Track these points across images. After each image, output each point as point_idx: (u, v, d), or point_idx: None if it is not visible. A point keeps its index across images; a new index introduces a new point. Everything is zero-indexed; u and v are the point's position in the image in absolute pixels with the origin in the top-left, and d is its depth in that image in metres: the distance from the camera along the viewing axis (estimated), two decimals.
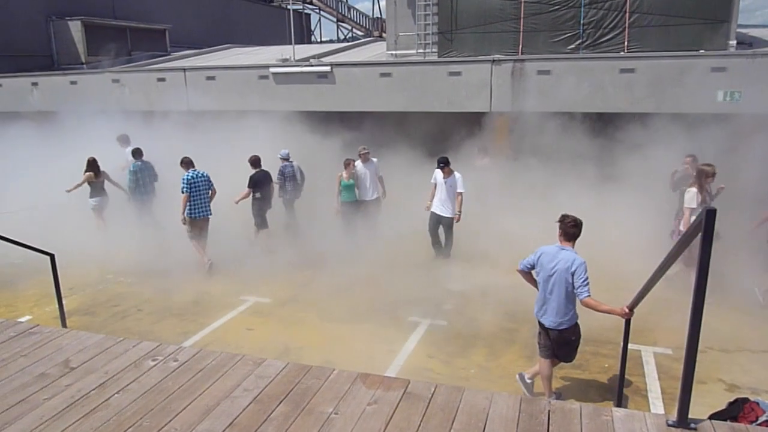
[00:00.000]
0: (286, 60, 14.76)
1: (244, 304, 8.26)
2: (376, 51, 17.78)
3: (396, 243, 10.14)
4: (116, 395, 3.61)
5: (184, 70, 15.20)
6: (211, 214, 9.83)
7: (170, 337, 7.13)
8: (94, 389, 3.69)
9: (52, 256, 6.75)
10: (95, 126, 13.58)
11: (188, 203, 9.52)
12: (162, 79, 15.37)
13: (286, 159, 10.73)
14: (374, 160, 10.33)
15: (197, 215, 9.67)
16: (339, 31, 40.22)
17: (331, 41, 39.01)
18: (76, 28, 20.84)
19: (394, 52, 15.34)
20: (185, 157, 9.72)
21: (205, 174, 9.71)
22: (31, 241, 6.75)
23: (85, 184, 11.18)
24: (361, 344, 6.86)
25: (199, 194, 9.61)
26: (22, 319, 7.47)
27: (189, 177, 9.53)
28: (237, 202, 10.23)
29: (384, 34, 20.57)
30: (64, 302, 6.97)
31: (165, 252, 10.13)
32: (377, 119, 13.34)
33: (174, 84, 15.13)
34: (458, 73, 12.37)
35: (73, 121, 14.02)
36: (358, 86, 13.24)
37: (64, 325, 6.87)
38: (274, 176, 10.53)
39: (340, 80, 13.37)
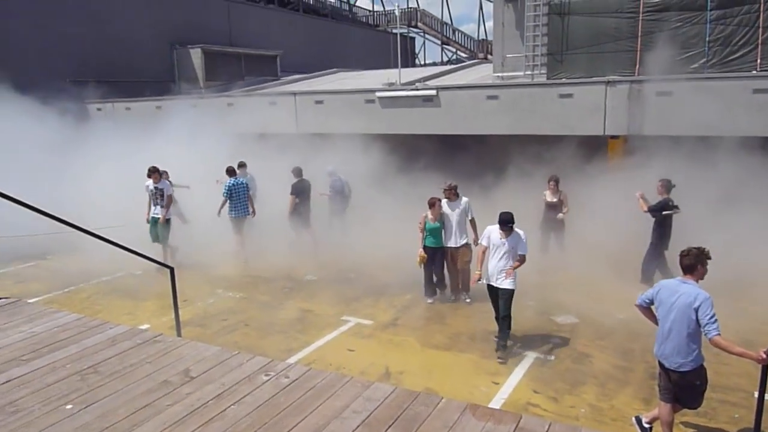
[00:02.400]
0: (392, 84, 15.12)
1: (345, 325, 8.42)
2: (482, 73, 17.76)
3: None
4: (232, 407, 3.80)
5: (294, 94, 15.95)
6: (248, 213, 11.65)
7: (275, 354, 7.36)
8: (212, 399, 3.91)
9: (171, 270, 7.23)
10: (212, 146, 14.59)
11: (230, 205, 11.47)
12: (273, 103, 16.21)
13: (333, 175, 12.15)
14: (464, 199, 9.05)
15: (237, 215, 11.55)
16: (443, 54, 40.61)
17: (434, 64, 39.49)
18: (196, 55, 22.64)
19: (500, 74, 15.26)
20: (229, 166, 11.63)
21: (244, 181, 11.67)
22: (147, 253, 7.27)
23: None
24: (463, 373, 6.77)
25: (239, 198, 11.54)
26: (142, 327, 8.07)
27: (230, 184, 11.50)
28: (290, 212, 11.79)
29: (489, 56, 20.52)
30: (179, 312, 7.40)
31: (268, 268, 10.70)
32: (482, 142, 13.29)
33: (284, 107, 15.90)
34: (569, 95, 12.07)
35: (191, 141, 15.13)
36: (463, 109, 13.26)
37: (179, 334, 7.28)
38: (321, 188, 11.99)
39: (445, 103, 13.47)
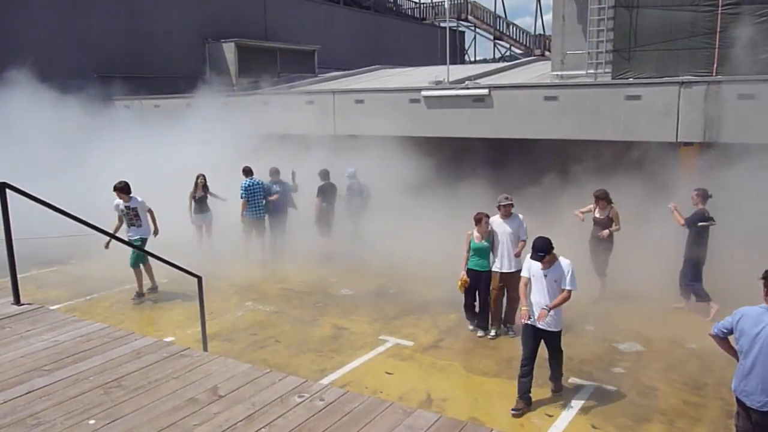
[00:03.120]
0: (439, 82, 15.16)
1: (383, 345, 8.48)
2: (539, 72, 17.65)
3: None
4: (263, 429, 3.85)
5: (333, 92, 16.16)
6: (263, 214, 12.43)
7: (308, 374, 7.47)
8: (241, 420, 3.97)
9: (199, 279, 7.35)
10: (243, 146, 14.90)
11: (246, 206, 12.24)
12: (310, 102, 16.45)
13: (352, 177, 12.92)
14: (519, 216, 8.56)
15: (253, 216, 12.29)
16: (496, 50, 40.46)
17: (485, 61, 39.37)
18: (229, 49, 23.13)
19: (560, 72, 15.12)
20: (246, 167, 12.37)
21: (260, 182, 12.42)
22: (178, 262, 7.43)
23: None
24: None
25: (255, 199, 12.31)
26: (167, 339, 8.26)
27: (246, 185, 12.30)
28: (317, 215, 12.63)
29: (547, 53, 20.36)
30: (206, 325, 7.55)
31: (300, 279, 10.99)
32: (537, 148, 13.17)
33: (321, 107, 16.12)
34: (637, 97, 11.87)
35: (222, 141, 15.50)
36: (518, 111, 13.19)
37: (205, 349, 7.42)
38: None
39: (498, 104, 13.43)
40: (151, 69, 21.60)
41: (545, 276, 6.51)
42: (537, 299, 6.57)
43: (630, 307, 9.44)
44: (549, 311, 6.45)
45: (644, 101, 11.80)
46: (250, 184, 12.35)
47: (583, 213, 9.87)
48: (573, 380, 7.33)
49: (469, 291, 8.56)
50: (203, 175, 12.34)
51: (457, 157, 14.13)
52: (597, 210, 9.77)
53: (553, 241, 6.51)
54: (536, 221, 9.36)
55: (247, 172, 12.44)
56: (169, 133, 15.55)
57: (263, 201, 12.41)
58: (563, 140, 12.76)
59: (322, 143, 14.56)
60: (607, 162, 11.52)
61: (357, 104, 15.61)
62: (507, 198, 8.51)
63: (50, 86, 16.24)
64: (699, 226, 8.93)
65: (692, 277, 9.09)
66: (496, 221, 8.54)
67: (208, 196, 12.43)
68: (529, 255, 6.62)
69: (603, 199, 9.68)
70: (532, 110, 13.02)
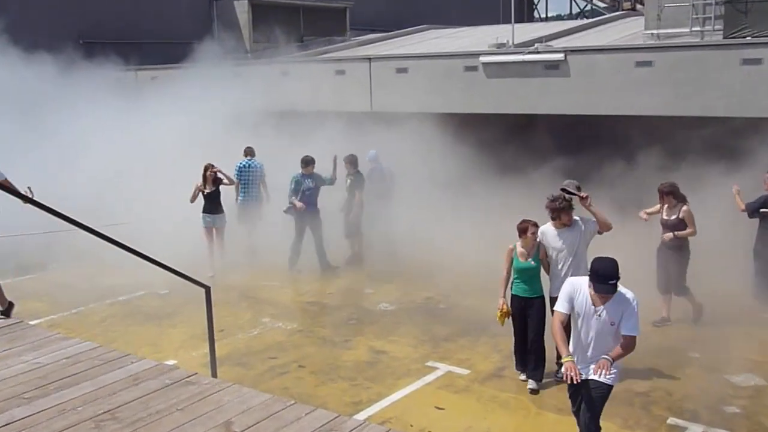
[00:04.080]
0: (502, 45, 15.07)
1: (432, 374, 8.45)
2: (628, 31, 17.35)
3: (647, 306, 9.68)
4: None
5: (369, 59, 16.23)
6: (258, 201, 13.36)
7: (338, 407, 7.48)
8: None
9: (207, 290, 7.47)
10: (256, 126, 15.13)
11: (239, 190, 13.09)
12: (341, 72, 16.56)
13: (374, 161, 13.31)
14: (579, 221, 7.87)
15: (244, 201, 13.22)
16: (573, 4, 40.05)
17: (560, 18, 39.02)
18: (242, 8, 23.26)
19: (655, 31, 14.85)
20: (247, 147, 13.46)
21: (258, 165, 13.37)
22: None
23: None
24: None
25: (249, 182, 13.29)
26: (169, 363, 8.40)
27: (240, 165, 13.31)
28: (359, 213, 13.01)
29: (639, 6, 20.05)
30: (215, 346, 7.64)
31: (326, 290, 11.14)
32: (626, 127, 12.99)
33: (355, 78, 16.23)
34: (757, 61, 11.61)
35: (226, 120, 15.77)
36: (602, 80, 13.06)
37: (214, 375, 7.50)
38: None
39: (577, 72, 13.30)
40: (147, 34, 21.87)
41: (599, 315, 5.71)
42: (583, 344, 5.87)
43: (741, 330, 9.28)
44: (611, 363, 5.71)
45: (767, 66, 11.54)
46: (245, 165, 13.37)
47: (649, 214, 9.71)
48: (673, 421, 7.20)
49: (515, 326, 8.09)
50: (213, 166, 12.38)
51: (523, 140, 14.03)
52: (665, 210, 9.56)
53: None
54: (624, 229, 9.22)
55: (247, 153, 13.43)
56: (165, 110, 15.82)
57: (259, 187, 13.46)
58: (658, 117, 12.59)
59: (355, 122, 14.65)
60: (715, 146, 11.30)
61: (399, 74, 15.63)
62: (561, 197, 7.70)
63: (27, 54, 16.60)
64: (762, 213, 8.94)
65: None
66: (549, 232, 7.95)
67: (221, 190, 12.56)
68: (571, 279, 6.14)
69: (669, 194, 9.47)
70: (619, 79, 12.86)
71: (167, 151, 14.53)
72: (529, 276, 7.90)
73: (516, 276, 7.94)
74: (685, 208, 9.41)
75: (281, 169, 13.22)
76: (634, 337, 5.66)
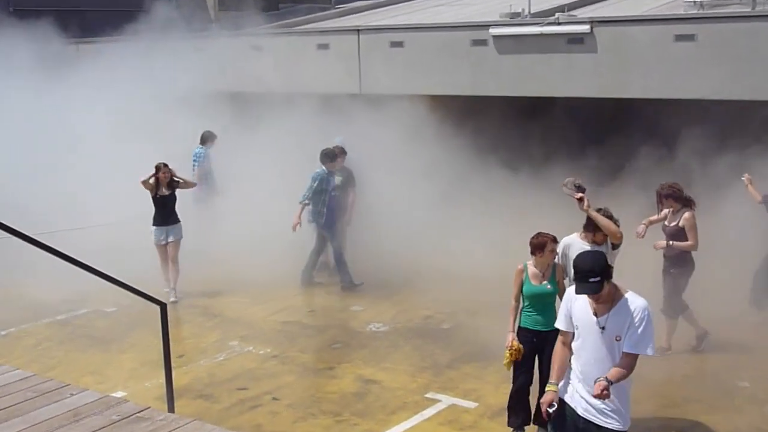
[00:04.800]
0: (516, 15, 15.06)
1: (433, 407, 8.41)
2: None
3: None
4: None
5: (358, 31, 16.19)
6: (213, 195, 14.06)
7: None
8: None
9: (162, 307, 7.48)
10: (222, 113, 15.22)
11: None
12: (324, 46, 16.52)
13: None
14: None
15: (201, 195, 13.73)
16: None
17: None
18: None
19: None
20: (205, 132, 14.07)
21: (203, 152, 14.21)
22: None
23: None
24: None
25: (208, 172, 14.07)
26: (117, 395, 8.35)
27: (198, 152, 14.20)
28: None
29: None
30: (172, 375, 7.63)
31: (306, 307, 11.29)
32: (663, 113, 12.99)
33: (341, 53, 16.18)
34: None
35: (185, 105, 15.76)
36: (635, 56, 13.06)
37: (171, 409, 7.45)
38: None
39: (605, 46, 13.32)
40: (91, 0, 21.77)
41: (601, 328, 5.45)
42: (582, 367, 5.56)
43: None
44: (610, 384, 5.29)
45: None
46: (201, 152, 14.19)
47: (652, 222, 9.57)
48: None
49: (522, 366, 7.59)
50: (166, 167, 11.93)
51: (541, 129, 14.05)
52: (669, 215, 9.55)
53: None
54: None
55: (204, 139, 14.15)
56: (111, 91, 15.81)
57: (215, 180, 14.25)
58: (701, 101, 12.61)
59: (341, 107, 14.64)
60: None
61: (393, 49, 15.63)
62: (579, 186, 7.69)
63: None
64: None
65: None
66: (575, 245, 7.71)
67: (176, 195, 12.19)
68: (570, 288, 5.86)
69: (669, 198, 9.43)
70: (655, 56, 12.87)
71: (113, 140, 14.61)
72: (543, 304, 7.43)
73: (527, 304, 7.52)
74: (687, 214, 9.30)
75: (245, 163, 13.51)
76: (635, 355, 5.33)
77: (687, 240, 9.20)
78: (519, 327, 7.53)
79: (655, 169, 12.07)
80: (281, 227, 12.28)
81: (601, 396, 5.21)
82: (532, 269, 7.48)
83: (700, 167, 11.53)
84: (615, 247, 7.67)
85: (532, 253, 7.43)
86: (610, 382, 5.23)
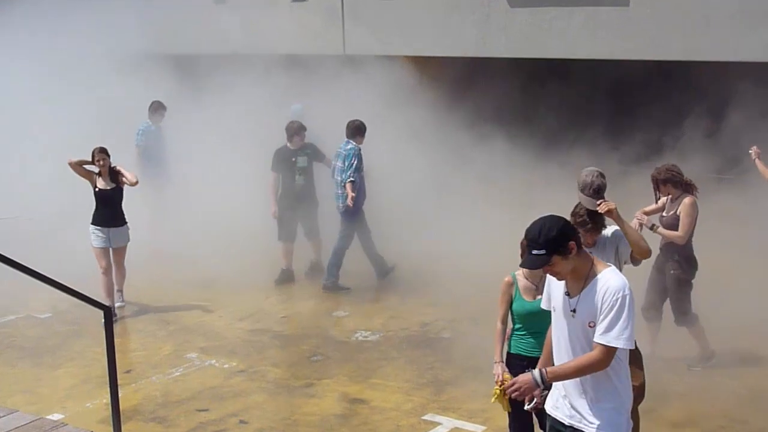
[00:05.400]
0: None
1: (432, 431, 8.36)
2: None
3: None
4: None
5: None
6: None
7: None
8: None
9: (107, 312, 7.42)
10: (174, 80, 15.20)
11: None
12: None
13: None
14: (604, 237, 7.61)
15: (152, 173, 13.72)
16: None
17: None
18: None
19: None
20: (155, 102, 14.05)
21: (154, 128, 14.27)
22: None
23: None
24: None
25: (156, 150, 14.16)
26: (52, 417, 8.24)
27: (145, 128, 14.24)
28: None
29: None
30: (119, 393, 7.57)
31: (279, 312, 11.33)
32: (709, 78, 12.96)
33: (321, 7, 16.17)
34: None
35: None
36: (676, 12, 12.97)
37: None
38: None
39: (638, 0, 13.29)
40: None
41: (572, 311, 5.37)
42: (559, 361, 5.56)
43: None
44: (540, 384, 5.30)
45: None
46: (148, 128, 14.27)
47: (648, 213, 9.47)
48: None
49: (515, 410, 7.26)
50: (103, 151, 11.37)
51: (559, 97, 14.14)
52: (668, 203, 9.56)
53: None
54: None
55: (152, 111, 14.24)
56: (19, 48, 15.76)
57: (165, 156, 14.30)
58: (758, 65, 12.54)
59: (322, 71, 14.64)
60: None
61: (383, 2, 15.58)
62: (582, 215, 7.34)
63: None
64: None
65: None
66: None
67: (123, 190, 11.70)
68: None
69: (668, 183, 9.38)
70: (701, 11, 12.81)
71: (30, 113, 14.72)
72: (539, 324, 6.90)
73: (519, 325, 7.23)
74: (686, 200, 9.30)
75: (203, 141, 13.56)
76: (608, 349, 5.08)
77: (679, 230, 9.23)
78: (509, 353, 7.22)
79: (698, 146, 12.17)
80: (248, 216, 12.41)
81: (521, 393, 5.23)
82: (523, 282, 7.16)
83: (753, 142, 11.47)
84: (637, 262, 7.59)
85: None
86: (541, 383, 5.19)
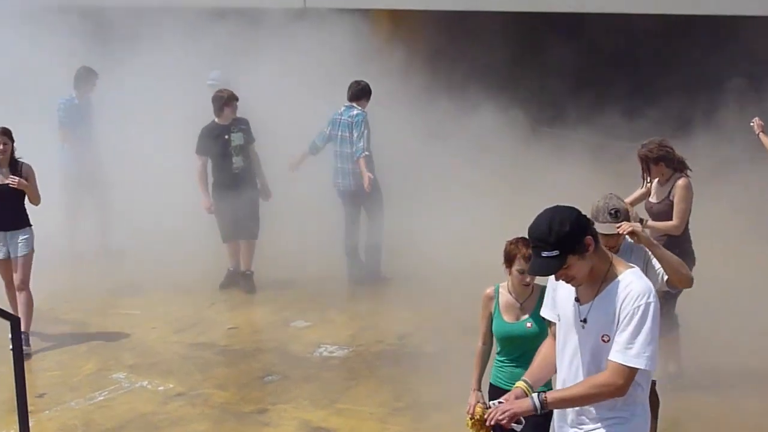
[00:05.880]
0: None
1: None
2: None
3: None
4: None
5: None
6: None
7: None
8: None
9: (14, 322, 7.29)
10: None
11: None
12: None
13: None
14: (628, 246, 7.51)
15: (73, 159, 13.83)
16: None
17: None
18: None
19: None
20: (82, 68, 13.97)
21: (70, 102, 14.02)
22: None
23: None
24: None
25: (82, 127, 13.97)
26: None
27: (67, 102, 13.99)
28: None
29: None
30: (30, 422, 7.36)
31: (225, 323, 11.59)
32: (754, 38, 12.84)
33: None
34: None
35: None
36: None
37: None
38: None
39: None
40: None
41: (583, 321, 5.23)
42: (566, 380, 5.40)
43: None
44: (538, 408, 5.12)
45: None
46: (70, 102, 14.04)
47: (634, 203, 9.47)
48: None
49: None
50: (5, 134, 10.99)
51: (563, 61, 14.11)
52: (654, 188, 9.58)
53: None
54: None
55: (83, 76, 13.98)
56: None
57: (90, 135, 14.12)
58: None
59: (276, 29, 14.59)
60: None
61: None
62: (615, 213, 7.17)
63: None
64: None
65: None
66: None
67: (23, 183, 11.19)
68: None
69: (661, 162, 9.33)
70: None
71: None
72: (521, 350, 6.98)
73: (498, 348, 7.19)
74: (681, 181, 9.29)
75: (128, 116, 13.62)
76: (626, 371, 4.91)
77: (674, 219, 9.21)
78: (490, 384, 7.15)
79: (737, 119, 12.09)
80: (187, 208, 12.46)
81: (511, 419, 5.03)
82: (505, 297, 7.02)
83: None
84: (675, 289, 7.71)
85: (506, 266, 6.97)
86: (541, 405, 4.98)
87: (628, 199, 8.91)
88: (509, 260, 6.83)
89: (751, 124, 10.78)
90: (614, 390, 4.89)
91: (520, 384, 5.34)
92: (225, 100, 12.47)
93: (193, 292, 12.38)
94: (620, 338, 4.86)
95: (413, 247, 12.52)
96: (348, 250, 12.63)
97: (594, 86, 13.34)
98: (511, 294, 6.96)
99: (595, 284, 5.02)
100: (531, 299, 6.92)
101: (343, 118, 12.32)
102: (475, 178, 13.19)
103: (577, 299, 5.10)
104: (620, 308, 4.91)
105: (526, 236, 5.92)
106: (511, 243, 6.88)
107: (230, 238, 12.66)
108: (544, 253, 4.86)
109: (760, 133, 10.65)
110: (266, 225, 12.93)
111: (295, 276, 12.71)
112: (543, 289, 6.45)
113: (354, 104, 12.48)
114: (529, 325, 6.89)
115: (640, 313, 4.84)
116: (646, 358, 4.80)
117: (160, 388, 9.82)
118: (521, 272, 6.74)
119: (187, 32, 14.77)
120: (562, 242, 4.81)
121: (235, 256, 12.83)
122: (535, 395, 5.05)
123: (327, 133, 12.49)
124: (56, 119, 13.85)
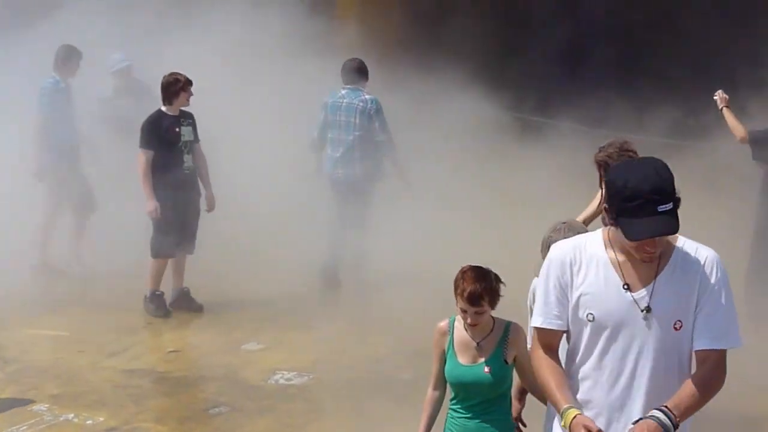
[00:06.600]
0: None
1: None
2: None
3: None
4: None
5: None
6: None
7: None
8: None
9: None
10: None
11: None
12: None
13: (124, 74, 14.83)
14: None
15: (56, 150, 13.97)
16: None
17: None
18: None
19: None
20: (62, 48, 14.19)
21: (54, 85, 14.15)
22: None
23: None
24: None
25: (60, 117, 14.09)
26: None
27: (52, 85, 14.03)
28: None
29: None
30: None
31: (167, 346, 11.62)
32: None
33: None
34: None
35: None
36: None
37: None
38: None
39: None
40: None
41: (645, 309, 4.86)
42: (617, 395, 5.05)
43: None
44: (672, 424, 4.67)
45: None
46: (56, 86, 13.97)
47: (588, 219, 9.27)
48: None
49: None
50: None
51: (555, 39, 14.22)
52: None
53: None
54: None
55: (67, 55, 13.93)
56: None
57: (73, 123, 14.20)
58: None
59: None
60: None
61: None
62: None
63: None
64: None
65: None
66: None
67: None
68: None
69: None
70: None
71: None
72: (482, 398, 6.66)
73: (455, 396, 6.76)
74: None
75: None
76: (724, 358, 4.74)
77: None
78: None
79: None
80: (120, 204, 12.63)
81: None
82: (460, 334, 6.59)
83: None
84: None
85: (457, 298, 6.49)
86: (672, 422, 4.49)
87: (580, 217, 8.86)
88: (477, 298, 6.32)
89: (715, 97, 11.48)
90: (720, 382, 4.70)
91: (574, 412, 4.67)
92: (182, 85, 12.34)
93: (128, 310, 12.15)
94: (713, 320, 4.66)
95: (387, 258, 12.32)
96: (328, 267, 12.64)
97: (585, 70, 13.40)
98: (468, 330, 6.53)
99: (652, 263, 4.71)
100: (490, 339, 6.52)
101: (345, 101, 12.34)
102: (453, 174, 13.49)
103: (626, 286, 4.72)
104: (700, 284, 4.68)
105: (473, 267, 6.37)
106: (468, 273, 6.39)
107: (166, 254, 12.43)
108: (661, 207, 4.45)
109: (724, 108, 11.44)
110: (212, 234, 12.93)
111: (247, 292, 12.65)
112: (506, 326, 6.53)
113: (358, 87, 12.60)
114: (486, 369, 6.48)
115: (726, 284, 4.68)
116: (739, 336, 4.68)
117: (89, 421, 9.63)
118: (464, 311, 6.34)
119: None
120: (675, 195, 4.51)
121: (161, 275, 12.66)
122: (659, 413, 4.51)
123: (322, 119, 12.53)
124: (34, 104, 13.79)
